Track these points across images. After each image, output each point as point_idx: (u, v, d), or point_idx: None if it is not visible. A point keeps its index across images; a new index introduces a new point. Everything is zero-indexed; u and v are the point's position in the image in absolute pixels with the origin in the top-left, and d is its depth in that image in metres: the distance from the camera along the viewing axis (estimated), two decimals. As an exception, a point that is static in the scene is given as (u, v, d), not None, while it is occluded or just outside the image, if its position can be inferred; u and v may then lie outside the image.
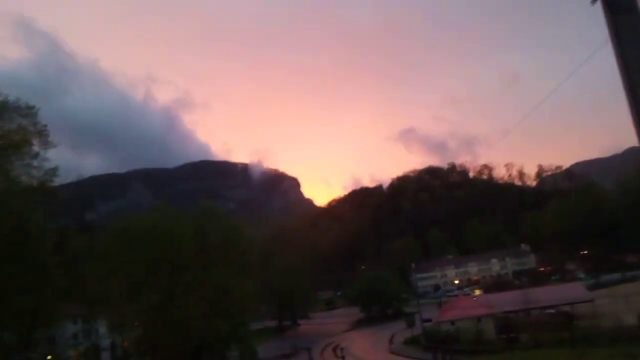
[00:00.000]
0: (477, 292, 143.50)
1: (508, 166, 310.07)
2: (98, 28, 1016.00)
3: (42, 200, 43.54)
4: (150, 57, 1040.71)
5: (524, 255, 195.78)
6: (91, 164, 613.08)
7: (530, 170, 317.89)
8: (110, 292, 58.17)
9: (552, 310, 75.98)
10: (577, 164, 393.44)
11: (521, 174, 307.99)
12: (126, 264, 56.55)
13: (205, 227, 72.14)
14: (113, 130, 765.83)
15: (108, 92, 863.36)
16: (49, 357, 61.50)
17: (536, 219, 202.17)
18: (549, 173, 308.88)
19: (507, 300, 79.09)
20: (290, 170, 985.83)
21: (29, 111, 39.99)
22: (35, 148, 40.29)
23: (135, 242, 56.30)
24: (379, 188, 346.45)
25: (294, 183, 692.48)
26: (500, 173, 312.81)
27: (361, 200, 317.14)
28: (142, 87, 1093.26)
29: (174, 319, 55.95)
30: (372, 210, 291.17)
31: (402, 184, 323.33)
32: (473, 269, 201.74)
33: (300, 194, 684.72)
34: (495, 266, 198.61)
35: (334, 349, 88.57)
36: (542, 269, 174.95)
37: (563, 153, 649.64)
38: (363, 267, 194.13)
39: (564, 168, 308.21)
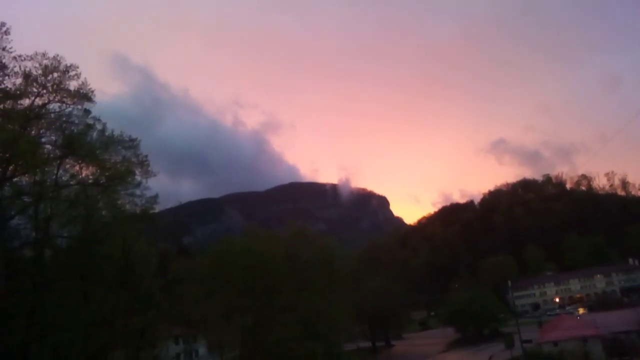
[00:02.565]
0: (582, 310, 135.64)
1: (609, 175, 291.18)
2: (187, 59, 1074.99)
3: (144, 227, 46.23)
4: (236, 83, 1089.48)
5: (632, 270, 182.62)
6: (187, 189, 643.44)
7: (635, 179, 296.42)
8: (208, 313, 60.33)
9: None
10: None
11: (624, 183, 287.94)
12: (222, 287, 58.62)
13: (296, 248, 73.41)
14: (206, 156, 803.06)
15: (199, 120, 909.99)
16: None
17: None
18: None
19: (616, 320, 74.20)
20: (378, 188, 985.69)
21: (131, 143, 42.73)
22: (138, 178, 42.92)
23: (229, 265, 58.26)
24: (470, 203, 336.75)
25: (382, 201, 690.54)
26: (601, 183, 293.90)
27: (452, 216, 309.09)
28: (231, 113, 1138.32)
29: (268, 340, 57.10)
30: (464, 226, 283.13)
31: (494, 198, 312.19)
32: (575, 286, 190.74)
33: (390, 212, 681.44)
34: (600, 283, 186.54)
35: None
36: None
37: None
38: (457, 286, 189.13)
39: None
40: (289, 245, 72.57)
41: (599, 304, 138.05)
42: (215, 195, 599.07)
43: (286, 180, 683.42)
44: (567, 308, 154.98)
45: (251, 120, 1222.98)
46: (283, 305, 59.56)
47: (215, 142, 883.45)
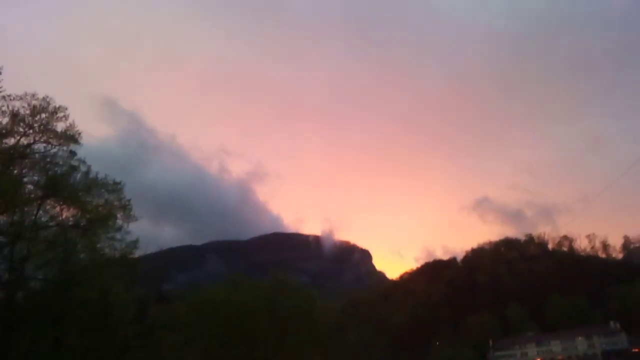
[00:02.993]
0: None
1: (590, 237, 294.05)
2: (175, 104, 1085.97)
3: (123, 272, 45.50)
4: (224, 131, 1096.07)
5: (613, 333, 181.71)
6: (169, 235, 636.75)
7: (616, 242, 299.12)
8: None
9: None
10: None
11: (605, 246, 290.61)
12: (200, 335, 57.39)
13: (277, 298, 72.49)
14: (189, 203, 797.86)
15: (185, 166, 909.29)
16: None
17: (625, 294, 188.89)
18: (637, 244, 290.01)
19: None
20: (361, 241, 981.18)
21: (115, 187, 42.57)
22: (119, 221, 42.54)
23: (209, 314, 57.26)
24: (453, 261, 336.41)
25: (365, 255, 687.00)
26: (582, 244, 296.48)
27: (435, 273, 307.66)
28: (217, 160, 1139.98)
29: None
30: (447, 283, 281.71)
31: (477, 256, 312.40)
32: (557, 347, 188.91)
33: (372, 266, 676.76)
34: (581, 345, 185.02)
35: None
36: (636, 350, 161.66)
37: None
38: (438, 343, 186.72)
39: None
40: (271, 295, 71.70)
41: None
42: (198, 242, 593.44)
43: (270, 229, 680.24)
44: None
45: (237, 168, 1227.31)
46: (262, 356, 58.31)
47: (199, 189, 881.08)
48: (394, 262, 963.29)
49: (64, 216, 40.67)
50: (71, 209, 40.86)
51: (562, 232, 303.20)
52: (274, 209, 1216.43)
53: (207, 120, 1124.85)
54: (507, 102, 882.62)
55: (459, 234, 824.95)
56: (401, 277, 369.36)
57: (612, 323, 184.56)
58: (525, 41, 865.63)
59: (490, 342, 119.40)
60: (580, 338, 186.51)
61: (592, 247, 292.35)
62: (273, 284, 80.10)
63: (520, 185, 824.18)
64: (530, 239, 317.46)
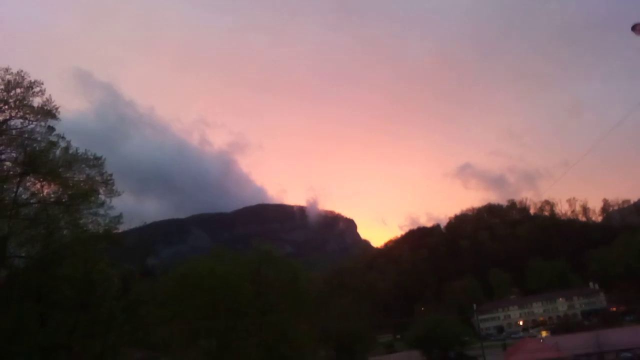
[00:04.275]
0: (544, 333, 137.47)
1: (571, 202, 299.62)
2: (153, 76, 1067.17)
3: (107, 247, 45.22)
4: (204, 102, 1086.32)
5: (592, 294, 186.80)
6: (152, 209, 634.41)
7: (595, 205, 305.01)
8: (172, 336, 59.09)
9: (628, 354, 71.84)
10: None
11: (585, 210, 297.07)
12: (186, 309, 57.53)
13: (262, 270, 72.74)
14: (172, 176, 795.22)
15: (165, 139, 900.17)
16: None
17: (604, 256, 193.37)
18: (616, 207, 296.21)
19: (577, 343, 75.49)
20: (346, 210, 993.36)
21: (96, 162, 41.92)
22: (102, 197, 42.01)
23: (194, 287, 57.31)
24: (436, 227, 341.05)
25: (350, 224, 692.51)
26: (563, 209, 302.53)
27: (418, 240, 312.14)
28: (198, 132, 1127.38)
29: (232, 363, 56.19)
30: (430, 250, 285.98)
31: (460, 222, 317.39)
32: (538, 309, 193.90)
33: (357, 235, 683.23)
34: (562, 306, 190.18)
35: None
36: (614, 309, 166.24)
37: (631, 186, 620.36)
38: (422, 309, 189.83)
39: (632, 202, 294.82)
40: (255, 267, 71.87)
41: (561, 326, 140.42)
42: (181, 215, 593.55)
43: (253, 201, 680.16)
44: (531, 331, 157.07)
45: (218, 140, 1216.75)
46: (248, 328, 58.71)
47: (181, 162, 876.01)
48: (378, 230, 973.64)
49: (44, 193, 40.13)
50: (52, 186, 40.27)
51: (544, 197, 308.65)
52: (257, 181, 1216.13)
53: (186, 92, 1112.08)
54: (488, 69, 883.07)
55: (442, 201, 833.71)
56: (385, 245, 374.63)
57: (591, 284, 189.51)
58: (506, 8, 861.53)
59: (474, 306, 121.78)
60: (560, 299, 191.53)
61: (573, 211, 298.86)
62: (257, 256, 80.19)
63: (502, 151, 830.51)
64: (512, 204, 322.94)
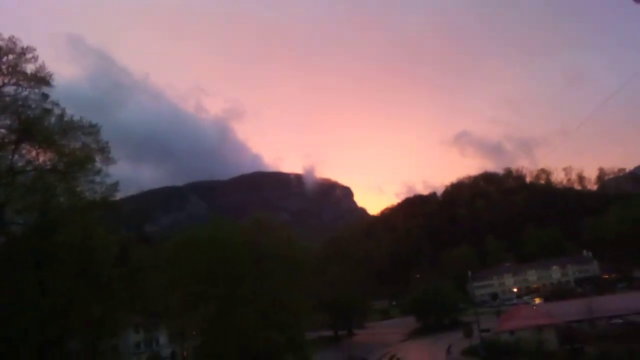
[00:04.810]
0: (538, 300, 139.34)
1: (567, 170, 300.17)
2: (147, 42, 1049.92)
3: (104, 215, 45.30)
4: (199, 69, 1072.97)
5: (586, 262, 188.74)
6: (149, 176, 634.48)
7: (591, 174, 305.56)
8: (170, 303, 59.82)
9: (619, 320, 72.88)
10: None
11: (581, 178, 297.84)
12: (184, 276, 58.06)
13: (259, 238, 73.27)
14: (168, 143, 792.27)
15: (161, 106, 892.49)
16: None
17: (598, 224, 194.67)
18: (611, 176, 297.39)
19: (570, 310, 76.49)
20: (342, 179, 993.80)
21: (91, 129, 41.62)
22: (98, 164, 41.85)
23: (192, 254, 57.74)
24: (433, 195, 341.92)
25: (346, 192, 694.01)
26: (559, 177, 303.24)
27: (415, 208, 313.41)
28: (193, 99, 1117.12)
29: (230, 329, 56.93)
30: (427, 218, 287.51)
31: (456, 190, 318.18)
32: (532, 276, 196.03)
33: (353, 202, 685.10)
34: (555, 274, 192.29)
35: (390, 357, 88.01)
36: (606, 277, 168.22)
37: (626, 155, 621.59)
38: (418, 276, 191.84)
39: (627, 170, 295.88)
40: (253, 236, 72.37)
41: (554, 294, 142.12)
42: (179, 182, 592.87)
43: (250, 169, 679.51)
44: (524, 298, 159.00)
45: (214, 107, 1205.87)
46: (246, 295, 59.34)
47: (177, 129, 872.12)
48: (374, 198, 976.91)
49: (40, 160, 39.92)
50: (48, 153, 40.05)
51: (540, 165, 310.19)
52: (253, 148, 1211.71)
53: (181, 58, 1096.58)
54: (486, 37, 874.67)
55: (439, 169, 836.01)
56: (382, 213, 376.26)
57: (585, 252, 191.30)
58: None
59: (469, 274, 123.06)
60: (554, 267, 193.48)
61: (569, 180, 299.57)
62: (254, 224, 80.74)
63: (499, 119, 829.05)
64: (508, 172, 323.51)
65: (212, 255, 56.33)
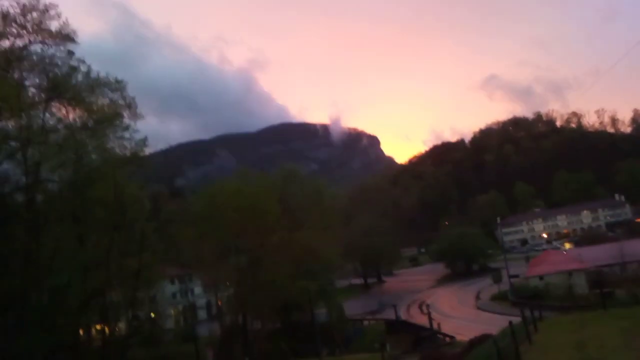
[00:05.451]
0: (568, 245, 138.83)
1: (599, 112, 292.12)
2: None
3: (135, 170, 46.21)
4: (220, 19, 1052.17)
5: (618, 206, 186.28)
6: (176, 130, 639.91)
7: (625, 116, 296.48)
8: (202, 254, 61.31)
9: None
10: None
11: (614, 120, 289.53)
12: (215, 228, 59.19)
13: (288, 189, 73.95)
14: (193, 96, 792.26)
15: (184, 58, 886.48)
16: (152, 314, 66.18)
17: (632, 167, 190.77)
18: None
19: (600, 254, 76.07)
20: (369, 127, 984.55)
21: (118, 85, 41.89)
22: (126, 120, 42.40)
23: (222, 206, 58.64)
24: (460, 142, 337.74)
25: (374, 141, 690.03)
26: (591, 120, 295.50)
27: (443, 155, 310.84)
28: (216, 51, 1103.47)
29: (262, 279, 58.31)
30: (455, 165, 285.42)
31: (485, 136, 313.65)
32: (562, 222, 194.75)
33: (381, 151, 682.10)
34: (586, 218, 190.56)
35: (420, 306, 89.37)
36: (639, 220, 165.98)
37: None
38: (446, 223, 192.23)
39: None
40: (281, 187, 73.03)
41: (585, 239, 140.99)
42: (205, 136, 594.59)
43: (276, 120, 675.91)
44: (554, 243, 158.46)
45: (238, 58, 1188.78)
46: (276, 245, 60.37)
47: (202, 81, 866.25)
48: (402, 146, 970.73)
49: (70, 118, 40.59)
50: (77, 111, 40.65)
51: (572, 109, 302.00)
52: (279, 99, 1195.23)
53: (202, 9, 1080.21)
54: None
55: (467, 115, 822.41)
56: (410, 161, 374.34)
57: (617, 196, 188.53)
58: None
59: (498, 220, 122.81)
60: (585, 212, 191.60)
61: (601, 123, 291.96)
62: (282, 176, 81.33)
63: (529, 61, 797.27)
64: (538, 117, 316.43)
65: (241, 207, 57.13)
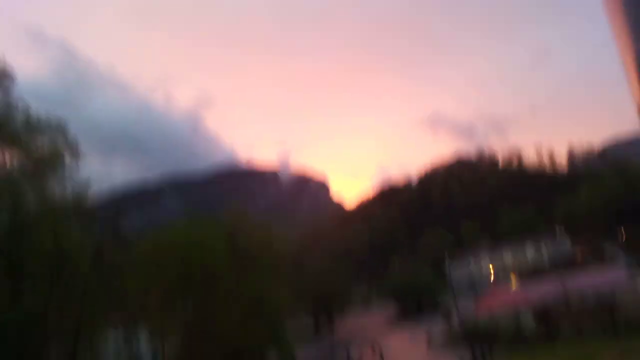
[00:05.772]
0: (513, 281, 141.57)
1: (538, 149, 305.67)
2: (110, 33, 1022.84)
3: (76, 214, 44.35)
4: (166, 59, 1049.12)
5: (559, 240, 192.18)
6: (121, 172, 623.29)
7: (562, 151, 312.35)
8: (148, 302, 59.13)
9: (591, 297, 74.31)
10: (612, 144, 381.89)
11: (552, 157, 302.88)
12: (161, 275, 57.36)
13: (237, 233, 72.82)
14: (139, 136, 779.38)
15: (129, 97, 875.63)
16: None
17: (570, 202, 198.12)
18: (581, 154, 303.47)
19: (544, 289, 77.72)
20: (317, 165, 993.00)
21: (59, 125, 40.52)
22: (68, 162, 40.87)
23: (168, 253, 57.05)
24: (407, 183, 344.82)
25: (322, 182, 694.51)
26: (530, 155, 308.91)
27: (391, 197, 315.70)
28: (163, 90, 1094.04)
29: (210, 327, 56.60)
30: (403, 206, 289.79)
31: (431, 176, 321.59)
32: (508, 257, 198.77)
33: (329, 192, 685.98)
34: (530, 253, 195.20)
35: (371, 345, 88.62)
36: (578, 253, 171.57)
37: (596, 132, 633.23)
38: (396, 263, 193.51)
39: (596, 148, 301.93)
40: (230, 232, 71.85)
41: (529, 273, 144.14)
42: (152, 177, 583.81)
43: (224, 161, 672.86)
44: (500, 279, 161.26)
45: (185, 98, 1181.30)
46: (224, 291, 58.95)
47: (147, 122, 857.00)
48: (351, 187, 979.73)
49: (8, 161, 38.78)
50: (14, 152, 38.89)
51: (512, 143, 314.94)
52: (227, 139, 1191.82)
53: (147, 47, 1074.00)
54: (457, 18, 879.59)
55: (413, 150, 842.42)
56: (359, 203, 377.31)
57: (557, 230, 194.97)
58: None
59: (447, 257, 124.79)
60: (529, 247, 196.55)
61: (540, 159, 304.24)
62: (231, 220, 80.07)
63: (471, 99, 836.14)
64: (481, 155, 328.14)
65: (188, 253, 55.73)
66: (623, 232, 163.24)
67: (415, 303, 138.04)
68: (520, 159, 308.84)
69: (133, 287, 58.75)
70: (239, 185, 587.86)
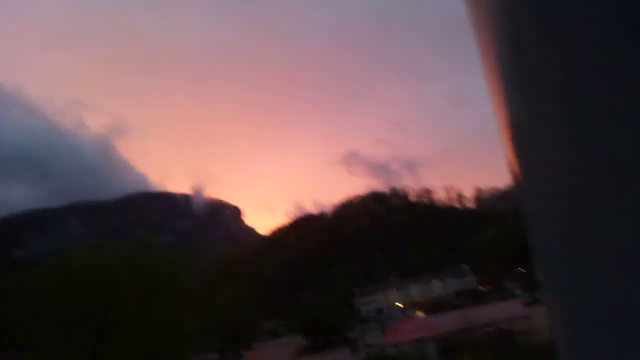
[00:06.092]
0: (420, 313, 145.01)
1: (448, 189, 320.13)
2: (19, 53, 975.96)
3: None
4: (78, 83, 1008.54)
5: (464, 275, 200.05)
6: (21, 197, 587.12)
7: (469, 192, 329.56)
8: (43, 334, 55.31)
9: (491, 329, 77.65)
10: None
11: (460, 197, 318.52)
12: (58, 304, 53.96)
13: (142, 260, 69.95)
14: (45, 161, 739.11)
15: (36, 120, 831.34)
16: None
17: (476, 240, 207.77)
18: (487, 195, 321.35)
19: (448, 321, 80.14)
20: (232, 198, 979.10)
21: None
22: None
23: (67, 280, 53.88)
24: (322, 215, 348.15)
25: (236, 212, 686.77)
26: (441, 196, 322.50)
27: (305, 228, 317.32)
28: (73, 115, 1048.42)
29: (108, 357, 53.64)
30: (316, 237, 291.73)
31: (345, 210, 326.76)
32: (415, 291, 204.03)
33: (243, 222, 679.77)
34: (436, 287, 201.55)
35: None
36: (481, 289, 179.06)
37: (500, 174, 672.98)
38: (307, 295, 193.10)
39: (500, 189, 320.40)
40: (134, 258, 68.94)
41: (435, 306, 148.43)
42: (56, 203, 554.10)
43: (135, 188, 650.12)
44: (408, 312, 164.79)
45: (96, 124, 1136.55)
46: (126, 321, 56.17)
47: (54, 146, 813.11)
48: (265, 217, 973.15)
49: None
50: None
51: (424, 184, 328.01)
52: (138, 166, 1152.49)
53: (59, 70, 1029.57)
54: (374, 61, 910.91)
55: (329, 188, 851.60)
56: (272, 233, 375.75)
57: (462, 266, 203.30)
58: (393, 5, 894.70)
59: (356, 290, 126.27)
60: (435, 281, 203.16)
61: (449, 199, 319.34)
62: (136, 246, 76.94)
63: (386, 140, 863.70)
64: (394, 192, 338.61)
65: (88, 280, 52.82)
66: (521, 270, 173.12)
67: (323, 335, 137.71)
68: (430, 196, 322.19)
69: (25, 318, 54.84)
70: (149, 212, 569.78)
